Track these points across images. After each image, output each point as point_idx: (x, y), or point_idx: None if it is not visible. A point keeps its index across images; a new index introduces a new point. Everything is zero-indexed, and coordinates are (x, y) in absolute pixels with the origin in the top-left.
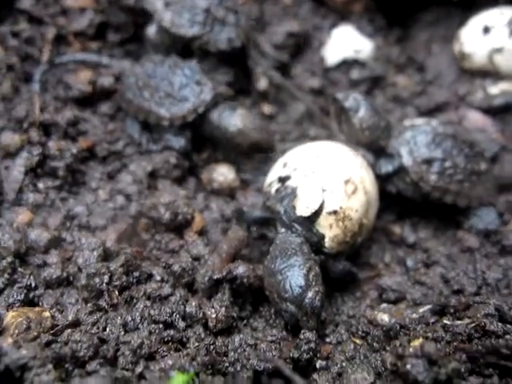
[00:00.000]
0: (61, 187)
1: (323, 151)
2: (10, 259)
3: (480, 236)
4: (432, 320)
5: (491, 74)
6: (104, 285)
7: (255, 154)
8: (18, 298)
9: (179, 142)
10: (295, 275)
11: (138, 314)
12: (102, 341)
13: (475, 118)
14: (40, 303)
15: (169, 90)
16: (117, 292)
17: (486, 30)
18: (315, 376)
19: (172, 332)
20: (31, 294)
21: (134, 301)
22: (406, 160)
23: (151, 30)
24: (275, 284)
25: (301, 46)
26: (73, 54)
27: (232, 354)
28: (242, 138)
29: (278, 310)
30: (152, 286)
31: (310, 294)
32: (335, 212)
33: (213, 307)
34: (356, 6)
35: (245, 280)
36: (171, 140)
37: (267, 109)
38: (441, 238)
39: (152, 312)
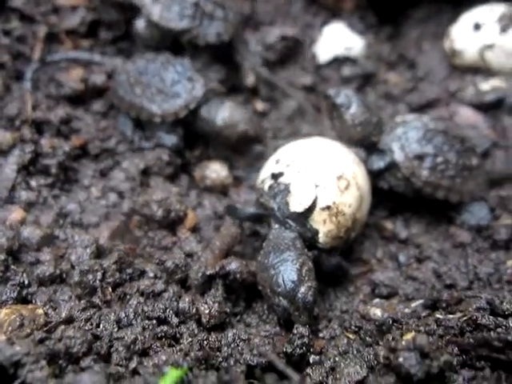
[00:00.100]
0: (53, 185)
1: (316, 147)
2: (2, 257)
3: (472, 231)
4: (424, 314)
5: (482, 70)
6: (97, 282)
7: (246, 149)
8: (11, 295)
9: (171, 140)
10: (288, 270)
11: (131, 310)
12: (96, 337)
13: (466, 114)
14: (33, 300)
15: (160, 87)
16: (110, 289)
17: (477, 26)
18: (308, 370)
19: (165, 328)
20: (24, 292)
21: (128, 297)
22: (398, 156)
23: (140, 25)
24: (268, 278)
25: (292, 48)
26: (65, 52)
27: (225, 349)
28: (230, 130)
29: (270, 304)
30: (145, 283)
31: (302, 289)
32: (328, 207)
33: (206, 303)
34: (347, 3)
35: (238, 276)
36: (163, 137)
37: (259, 106)
38: (433, 233)
39: (145, 308)
